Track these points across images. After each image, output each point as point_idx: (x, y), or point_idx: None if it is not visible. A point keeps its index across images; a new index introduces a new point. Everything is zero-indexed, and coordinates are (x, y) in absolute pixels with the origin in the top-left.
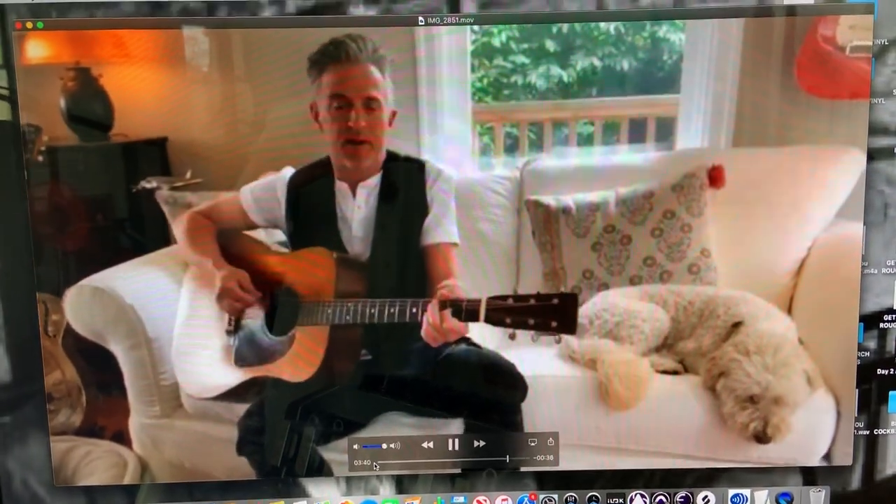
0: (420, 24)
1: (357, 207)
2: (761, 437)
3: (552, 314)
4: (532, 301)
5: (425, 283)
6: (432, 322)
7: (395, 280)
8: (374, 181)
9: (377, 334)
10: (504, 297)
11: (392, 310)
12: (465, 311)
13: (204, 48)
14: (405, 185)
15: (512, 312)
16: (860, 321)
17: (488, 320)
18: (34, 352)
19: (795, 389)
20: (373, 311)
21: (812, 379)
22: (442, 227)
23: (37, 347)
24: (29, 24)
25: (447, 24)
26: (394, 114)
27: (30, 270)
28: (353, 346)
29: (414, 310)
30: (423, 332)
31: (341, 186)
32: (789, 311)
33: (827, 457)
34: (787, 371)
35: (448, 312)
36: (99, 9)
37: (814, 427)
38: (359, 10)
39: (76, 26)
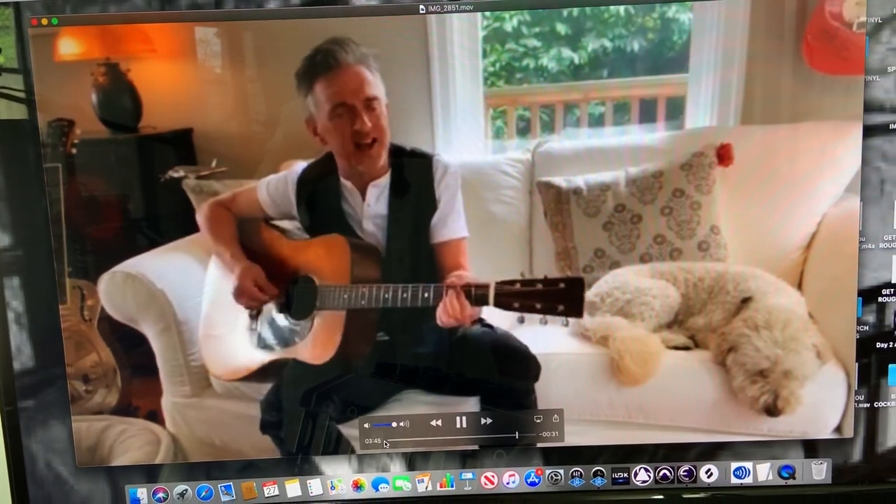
0: (421, 12)
1: (367, 206)
2: (772, 411)
3: (559, 298)
4: (539, 285)
5: (437, 276)
6: (457, 307)
7: (408, 274)
8: (384, 181)
9: (393, 316)
10: (512, 282)
11: (405, 294)
12: (475, 296)
13: (220, 42)
14: (414, 183)
15: (519, 297)
16: (859, 296)
17: (497, 304)
18: (55, 338)
19: (805, 363)
20: (386, 295)
21: (821, 353)
22: (449, 225)
23: (58, 334)
24: (44, 21)
25: (447, 13)
26: (386, 106)
27: (50, 259)
28: (370, 328)
29: (426, 294)
30: (438, 315)
31: (347, 185)
32: (799, 285)
33: (838, 430)
34: (796, 345)
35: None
36: (111, 3)
37: (824, 400)
38: (361, 1)
39: (89, 21)
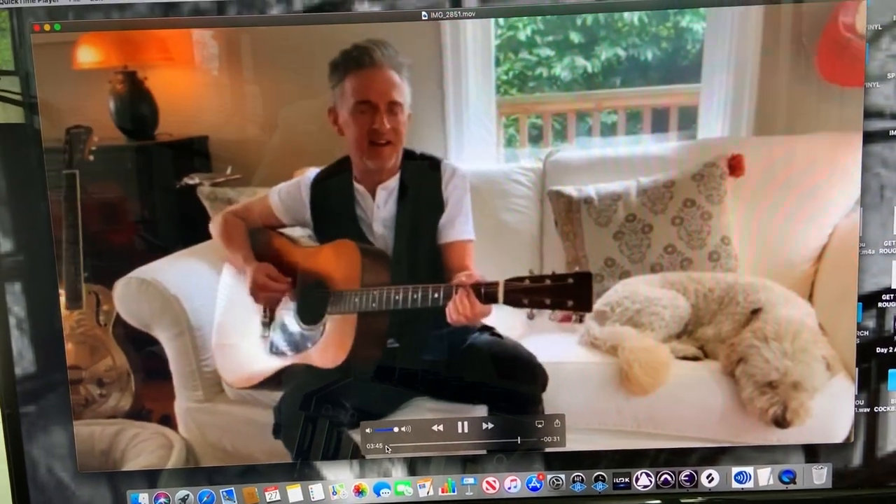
0: (423, 18)
1: (376, 208)
2: (781, 422)
3: (568, 293)
4: (548, 281)
5: (444, 279)
6: (467, 305)
7: (415, 275)
8: (393, 183)
9: (402, 323)
10: (521, 279)
11: (415, 295)
12: (485, 293)
13: (234, 49)
14: (422, 185)
15: (529, 293)
16: (859, 301)
17: (506, 301)
18: (57, 343)
19: (814, 375)
20: (397, 297)
21: (831, 364)
22: (456, 226)
23: (60, 339)
24: (46, 27)
25: (448, 18)
26: (408, 116)
27: (52, 264)
28: (380, 333)
29: (436, 295)
30: (448, 314)
31: (359, 188)
32: (810, 297)
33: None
34: (805, 357)
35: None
36: (114, 10)
37: (833, 412)
38: (363, 7)
39: (92, 28)
